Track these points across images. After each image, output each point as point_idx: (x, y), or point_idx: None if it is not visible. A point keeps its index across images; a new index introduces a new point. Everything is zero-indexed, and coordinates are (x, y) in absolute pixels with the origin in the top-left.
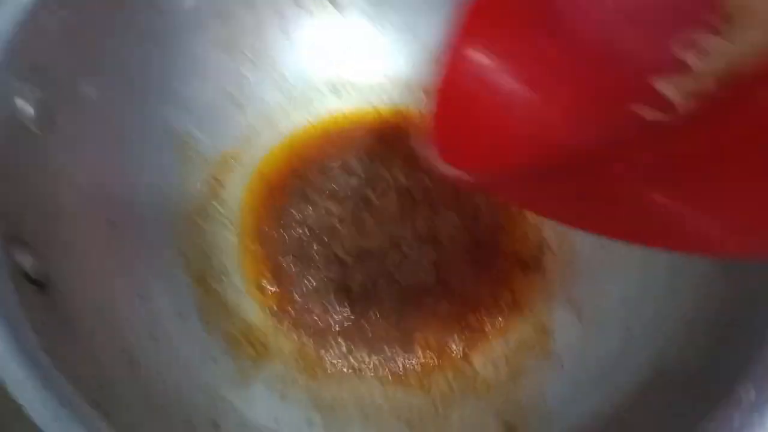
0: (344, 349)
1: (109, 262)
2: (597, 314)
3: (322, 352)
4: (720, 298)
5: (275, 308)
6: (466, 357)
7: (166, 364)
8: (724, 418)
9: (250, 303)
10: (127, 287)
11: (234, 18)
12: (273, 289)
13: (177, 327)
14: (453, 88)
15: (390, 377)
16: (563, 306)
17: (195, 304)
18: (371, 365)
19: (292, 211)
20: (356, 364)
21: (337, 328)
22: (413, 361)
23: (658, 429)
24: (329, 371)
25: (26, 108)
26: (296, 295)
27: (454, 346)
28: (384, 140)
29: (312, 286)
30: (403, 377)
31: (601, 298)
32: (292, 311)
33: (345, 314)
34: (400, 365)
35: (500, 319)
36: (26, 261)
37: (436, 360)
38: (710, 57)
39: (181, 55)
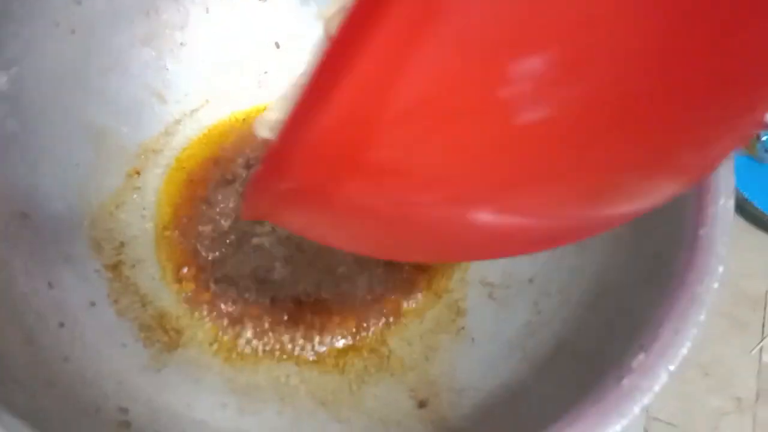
0: (260, 333)
1: (17, 253)
2: (507, 293)
3: (238, 337)
4: (617, 273)
5: (190, 295)
6: (381, 338)
7: (72, 351)
8: (614, 381)
9: (165, 290)
10: (37, 276)
11: (158, 11)
12: (188, 276)
13: (87, 314)
14: None
15: (306, 360)
16: (476, 287)
17: (107, 292)
18: (287, 349)
19: (212, 199)
20: (272, 348)
21: (254, 314)
22: (329, 344)
23: (561, 396)
24: (244, 355)
25: None
26: (212, 282)
27: (370, 328)
28: None
29: (229, 272)
30: (319, 359)
31: (511, 278)
32: (208, 298)
33: (261, 300)
34: (317, 348)
35: (416, 301)
36: None
37: (352, 342)
38: None
39: (101, 47)
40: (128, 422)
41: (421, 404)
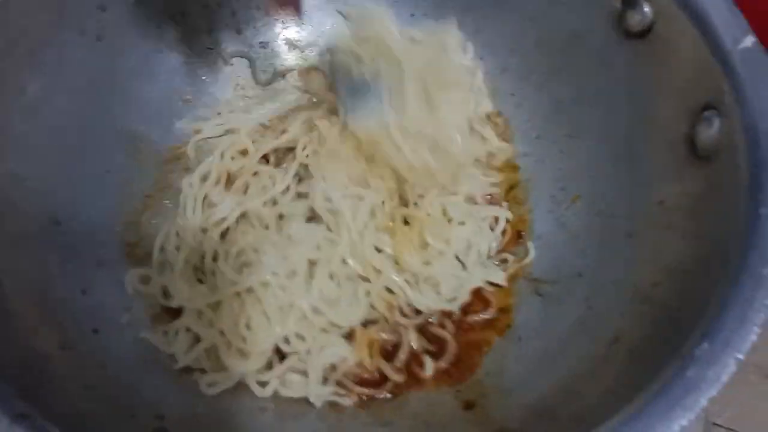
0: None
1: (52, 259)
2: (555, 289)
3: None
4: (673, 261)
5: None
6: None
7: (108, 357)
8: (677, 372)
9: None
10: (71, 281)
11: (186, 17)
12: None
13: (120, 320)
14: None
15: None
16: (520, 282)
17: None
18: None
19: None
20: None
21: None
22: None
23: (620, 392)
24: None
25: None
26: None
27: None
28: None
29: None
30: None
31: (559, 273)
32: None
33: None
34: None
35: None
36: None
37: None
38: None
39: (129, 54)
40: (165, 428)
41: (468, 406)
